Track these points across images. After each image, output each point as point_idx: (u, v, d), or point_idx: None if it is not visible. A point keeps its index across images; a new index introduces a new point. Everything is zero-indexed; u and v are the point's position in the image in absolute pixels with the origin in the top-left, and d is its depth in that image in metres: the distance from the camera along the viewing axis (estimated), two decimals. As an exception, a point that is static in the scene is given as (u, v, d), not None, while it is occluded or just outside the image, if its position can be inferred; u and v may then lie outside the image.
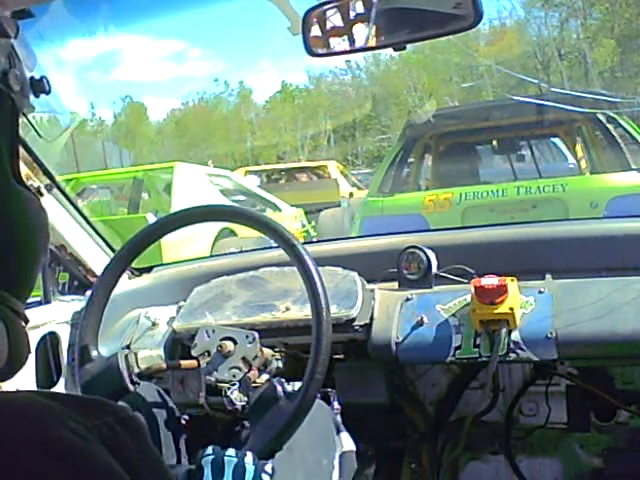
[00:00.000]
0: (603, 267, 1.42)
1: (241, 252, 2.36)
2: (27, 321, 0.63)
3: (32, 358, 1.63)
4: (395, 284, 1.52)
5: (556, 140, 6.45)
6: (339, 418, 1.29)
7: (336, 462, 1.22)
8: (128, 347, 1.52)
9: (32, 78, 0.94)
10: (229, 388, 1.24)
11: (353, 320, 1.41)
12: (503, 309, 1.32)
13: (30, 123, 1.37)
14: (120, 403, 1.19)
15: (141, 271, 1.83)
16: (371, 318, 1.43)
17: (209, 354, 1.28)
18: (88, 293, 1.43)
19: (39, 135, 1.42)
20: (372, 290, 1.49)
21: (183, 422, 1.35)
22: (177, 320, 1.52)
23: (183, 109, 37.23)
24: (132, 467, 0.50)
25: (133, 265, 1.59)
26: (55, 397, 0.53)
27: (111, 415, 0.52)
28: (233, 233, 5.74)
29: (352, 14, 1.12)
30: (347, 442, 1.27)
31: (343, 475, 1.23)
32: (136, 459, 0.51)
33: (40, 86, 0.94)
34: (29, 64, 0.91)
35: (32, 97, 0.90)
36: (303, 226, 7.49)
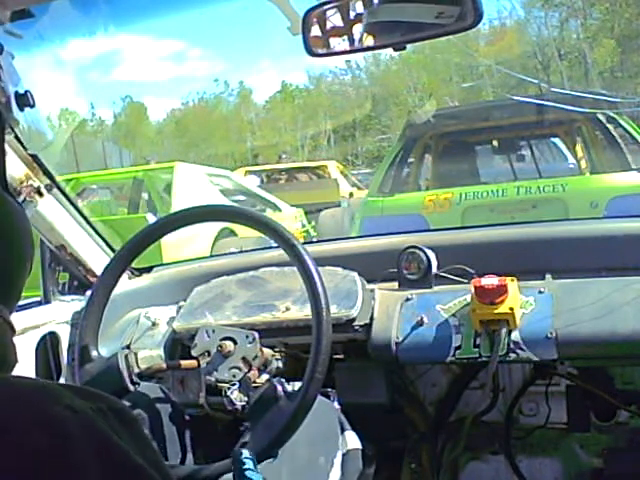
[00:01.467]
0: (603, 267, 1.41)
1: (241, 252, 2.36)
2: (14, 330, 0.63)
3: (32, 358, 1.63)
4: (395, 284, 1.52)
5: (556, 140, 6.46)
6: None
7: (337, 461, 1.22)
8: (128, 347, 1.52)
9: (17, 92, 0.94)
10: (229, 388, 1.24)
11: (353, 320, 1.41)
12: (503, 309, 1.32)
13: (16, 135, 1.38)
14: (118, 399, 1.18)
15: (141, 271, 1.83)
16: (371, 318, 1.43)
17: (209, 354, 1.28)
18: (88, 293, 1.43)
19: (24, 148, 1.43)
20: (372, 290, 1.49)
21: (187, 417, 1.34)
22: (177, 320, 1.52)
23: (183, 109, 37.20)
24: None
25: (133, 265, 1.59)
26: (53, 382, 0.54)
27: (105, 403, 0.53)
28: (233, 233, 5.73)
29: (352, 14, 1.12)
30: (352, 441, 1.26)
31: (345, 474, 1.22)
32: (128, 444, 0.51)
33: (24, 100, 0.95)
34: (13, 79, 0.92)
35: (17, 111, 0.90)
36: (303, 226, 7.49)
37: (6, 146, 1.43)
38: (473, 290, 1.34)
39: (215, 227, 5.51)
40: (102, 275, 1.35)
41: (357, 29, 1.12)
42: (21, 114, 1.01)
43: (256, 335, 1.28)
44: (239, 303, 1.49)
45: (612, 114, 4.71)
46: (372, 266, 1.55)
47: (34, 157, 1.51)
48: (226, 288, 1.55)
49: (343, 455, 1.23)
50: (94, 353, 1.28)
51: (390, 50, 1.19)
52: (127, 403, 1.25)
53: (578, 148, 5.51)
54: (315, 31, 1.14)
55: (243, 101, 35.58)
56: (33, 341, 1.63)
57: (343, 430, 1.26)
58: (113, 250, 1.72)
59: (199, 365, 1.28)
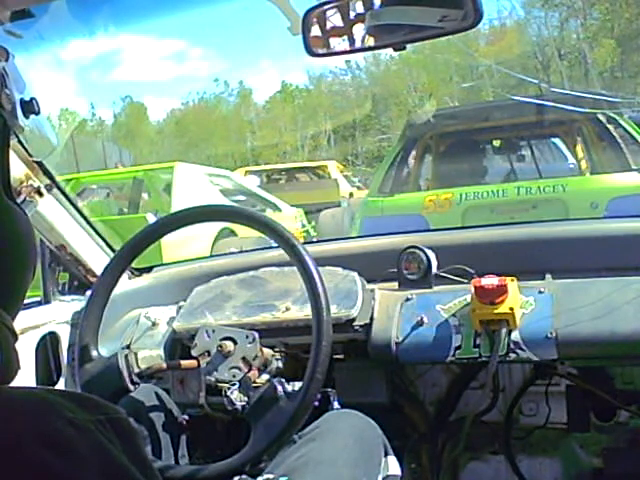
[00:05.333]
0: (603, 267, 1.41)
1: (241, 252, 2.36)
2: (16, 337, 0.63)
3: (32, 358, 1.63)
4: (395, 284, 1.52)
5: (556, 140, 6.45)
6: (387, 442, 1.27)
7: None
8: (128, 347, 1.52)
9: (22, 100, 0.95)
10: (229, 388, 1.24)
11: (353, 320, 1.41)
12: (503, 309, 1.32)
13: (21, 142, 1.38)
14: (119, 407, 1.18)
15: (141, 271, 1.83)
16: (371, 318, 1.43)
17: (209, 354, 1.28)
18: (88, 293, 1.43)
19: (29, 154, 1.43)
20: (372, 290, 1.49)
21: (184, 422, 1.34)
22: (177, 320, 1.52)
23: (183, 109, 37.20)
24: None
25: (133, 265, 1.59)
26: (53, 391, 0.54)
27: (103, 414, 0.53)
28: (233, 233, 5.74)
29: (352, 14, 1.12)
30: (393, 466, 1.24)
31: None
32: (122, 455, 0.51)
33: (30, 107, 0.96)
34: (19, 86, 0.92)
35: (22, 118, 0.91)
36: (303, 226, 7.49)
37: (10, 152, 1.43)
38: (473, 290, 1.34)
39: (215, 227, 5.52)
40: (102, 275, 1.35)
41: (357, 29, 1.12)
42: (26, 121, 1.01)
43: (256, 335, 1.28)
44: (239, 303, 1.49)
45: (612, 114, 4.71)
46: (372, 266, 1.55)
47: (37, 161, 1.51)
48: (226, 288, 1.55)
49: (383, 479, 1.21)
50: (94, 353, 1.28)
51: (390, 50, 1.18)
52: (125, 404, 1.25)
53: (578, 148, 5.50)
54: (315, 31, 1.14)
55: (243, 101, 35.58)
56: (33, 341, 1.63)
57: (386, 454, 1.25)
58: (113, 250, 1.72)
59: (199, 365, 1.28)
